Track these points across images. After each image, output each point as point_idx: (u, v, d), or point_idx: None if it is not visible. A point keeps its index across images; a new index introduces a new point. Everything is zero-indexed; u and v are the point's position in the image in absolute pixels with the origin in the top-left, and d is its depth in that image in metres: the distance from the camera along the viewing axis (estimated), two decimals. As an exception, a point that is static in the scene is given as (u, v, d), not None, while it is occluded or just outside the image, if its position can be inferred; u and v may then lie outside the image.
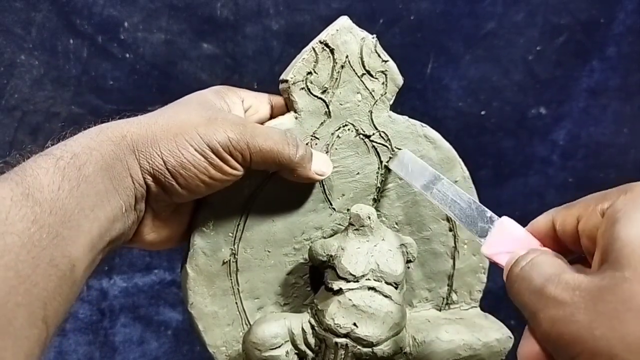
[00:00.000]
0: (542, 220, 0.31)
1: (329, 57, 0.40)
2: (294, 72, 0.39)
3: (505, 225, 0.33)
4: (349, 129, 0.41)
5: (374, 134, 0.42)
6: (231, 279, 0.40)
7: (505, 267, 0.30)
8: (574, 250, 0.30)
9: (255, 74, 0.68)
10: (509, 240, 0.32)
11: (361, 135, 0.42)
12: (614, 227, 0.25)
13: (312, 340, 0.38)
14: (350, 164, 0.42)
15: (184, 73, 0.66)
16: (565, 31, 0.76)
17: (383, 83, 0.41)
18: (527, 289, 0.27)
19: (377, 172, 0.42)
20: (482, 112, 0.76)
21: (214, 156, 0.34)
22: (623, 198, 0.26)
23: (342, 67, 0.40)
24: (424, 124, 0.43)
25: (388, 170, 0.42)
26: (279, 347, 0.37)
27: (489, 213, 0.35)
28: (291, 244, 0.42)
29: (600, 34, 0.77)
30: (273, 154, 0.36)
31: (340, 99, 0.41)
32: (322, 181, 0.41)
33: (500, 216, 0.34)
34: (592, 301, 0.24)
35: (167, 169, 0.34)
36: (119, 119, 0.36)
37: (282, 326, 0.38)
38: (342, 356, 0.37)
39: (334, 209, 0.42)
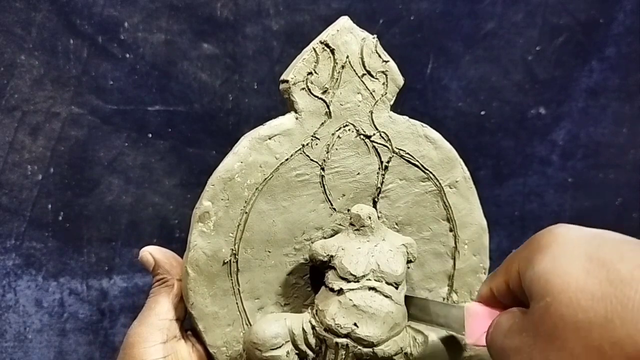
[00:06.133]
0: (483, 292, 0.33)
1: (330, 57, 0.40)
2: (294, 72, 0.39)
3: (469, 310, 0.34)
4: (349, 130, 0.41)
5: (374, 134, 0.42)
6: (232, 279, 0.40)
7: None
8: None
9: (255, 74, 0.68)
10: (478, 322, 0.33)
11: (362, 136, 0.42)
12: (525, 275, 0.28)
13: (312, 341, 0.38)
14: (350, 164, 0.42)
15: (184, 73, 0.66)
16: (565, 31, 0.76)
17: (384, 83, 0.41)
18: (499, 355, 0.29)
19: (378, 173, 0.42)
20: (482, 112, 0.76)
21: None
22: (524, 256, 0.29)
23: (343, 67, 0.40)
24: (424, 124, 0.43)
25: (388, 170, 0.43)
26: (280, 347, 0.37)
27: (455, 305, 0.36)
28: (291, 244, 0.42)
29: (600, 34, 0.77)
30: None
31: (341, 99, 0.41)
32: (322, 181, 0.41)
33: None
34: (535, 335, 0.26)
35: None
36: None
37: (282, 326, 0.38)
38: (343, 356, 0.37)
39: (334, 209, 0.42)
